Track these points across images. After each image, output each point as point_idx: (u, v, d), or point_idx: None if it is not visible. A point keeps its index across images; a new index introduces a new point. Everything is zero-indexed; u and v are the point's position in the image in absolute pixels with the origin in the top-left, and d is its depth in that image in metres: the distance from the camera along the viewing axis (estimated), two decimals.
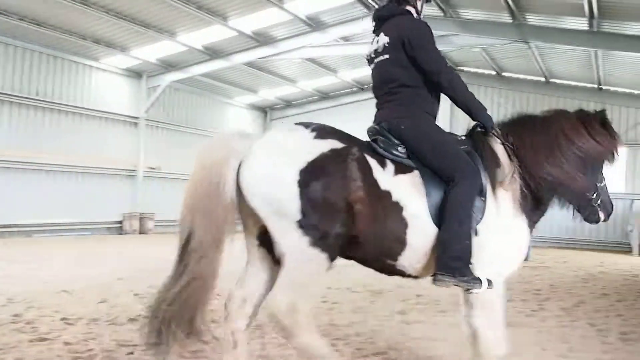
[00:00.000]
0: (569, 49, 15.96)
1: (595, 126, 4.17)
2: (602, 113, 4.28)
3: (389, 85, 4.02)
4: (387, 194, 3.56)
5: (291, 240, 3.40)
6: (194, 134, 21.77)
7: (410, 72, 3.94)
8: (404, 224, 3.59)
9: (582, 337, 6.35)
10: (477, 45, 16.51)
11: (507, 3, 13.56)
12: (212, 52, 17.91)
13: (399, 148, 3.80)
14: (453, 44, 16.33)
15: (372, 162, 3.62)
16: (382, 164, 3.67)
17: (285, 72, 20.80)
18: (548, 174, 3.92)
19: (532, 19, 14.69)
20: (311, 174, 3.38)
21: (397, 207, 3.57)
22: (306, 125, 3.67)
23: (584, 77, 19.63)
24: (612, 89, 20.04)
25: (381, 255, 3.69)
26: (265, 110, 25.30)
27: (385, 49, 3.99)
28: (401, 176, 3.67)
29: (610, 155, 4.19)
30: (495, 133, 4.05)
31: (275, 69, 20.34)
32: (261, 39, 17.04)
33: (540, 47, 16.68)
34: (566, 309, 8.06)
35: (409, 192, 3.63)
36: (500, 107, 21.35)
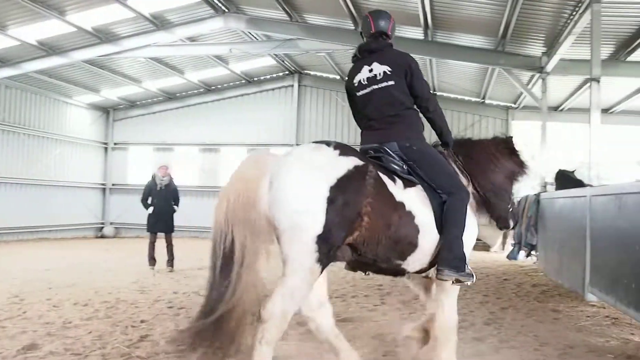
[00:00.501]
0: None
1: (515, 151, 5.10)
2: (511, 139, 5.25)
3: (395, 108, 4.49)
4: (402, 205, 4.12)
5: (301, 253, 3.77)
6: (28, 134, 20.33)
7: (409, 97, 4.52)
8: (416, 230, 4.17)
9: None
10: (321, 50, 16.93)
11: (350, 10, 14.06)
12: (49, 48, 16.80)
13: (402, 165, 4.39)
14: (299, 48, 16.64)
15: (385, 178, 4.14)
16: (393, 180, 4.22)
17: (129, 71, 20.04)
18: (492, 183, 4.84)
19: None
20: (339, 190, 3.78)
21: (410, 216, 4.15)
22: (327, 143, 4.12)
23: None
24: (445, 94, 21.47)
25: (392, 257, 4.20)
26: (107, 111, 24.19)
27: (386, 76, 4.47)
28: (409, 190, 4.26)
29: (522, 173, 5.11)
30: (453, 152, 4.88)
31: (119, 67, 19.52)
32: (102, 36, 16.29)
33: None
34: (406, 302, 8.50)
35: (418, 203, 4.23)
36: (344, 109, 22.10)
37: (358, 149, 4.46)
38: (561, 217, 10.47)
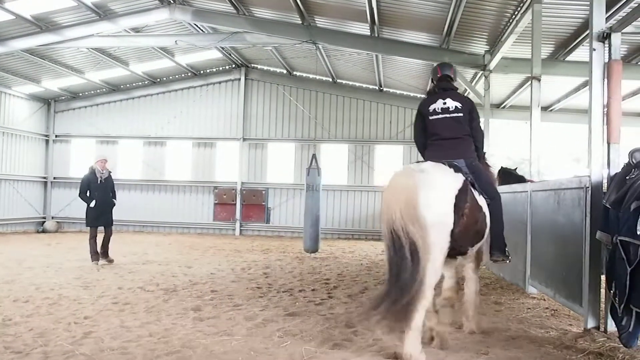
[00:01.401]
0: (354, 52, 17.00)
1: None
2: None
3: (462, 133, 5.98)
4: (480, 208, 5.64)
5: (443, 241, 5.11)
6: None
7: (468, 127, 6.03)
8: (486, 225, 5.77)
9: (366, 320, 6.82)
10: (268, 44, 16.85)
11: (297, 5, 14.05)
12: None
13: (469, 177, 5.73)
14: (245, 42, 16.51)
15: (470, 187, 5.57)
16: (474, 188, 5.69)
17: (71, 61, 19.49)
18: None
19: (320, 22, 15.40)
20: (458, 198, 5.25)
21: (484, 215, 5.72)
22: (442, 162, 5.57)
23: (367, 79, 21.04)
24: (391, 90, 21.72)
25: (470, 243, 5.67)
26: (49, 102, 23.47)
27: (457, 110, 5.96)
28: (480, 196, 5.74)
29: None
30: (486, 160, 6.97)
31: (60, 57, 18.97)
32: (43, 24, 15.80)
33: (327, 49, 17.54)
34: (352, 296, 8.60)
35: (484, 206, 5.75)
36: (291, 103, 22.11)
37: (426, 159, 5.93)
38: (503, 211, 10.72)
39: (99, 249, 12.10)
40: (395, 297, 4.88)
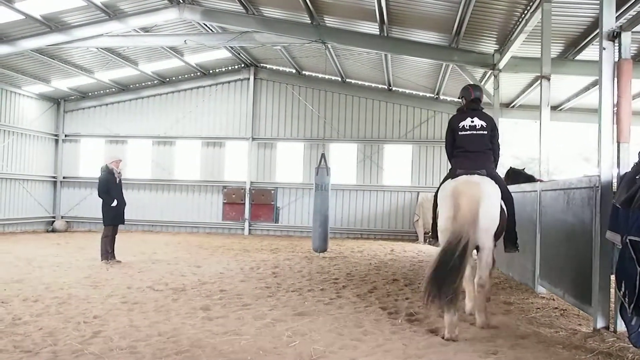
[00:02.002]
0: (363, 51, 16.99)
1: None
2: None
3: (484, 148, 7.09)
4: (503, 210, 6.84)
5: (492, 241, 6.61)
6: None
7: (490, 143, 7.17)
8: (505, 220, 6.88)
9: (375, 320, 6.83)
10: (278, 43, 16.85)
11: (306, 4, 14.05)
12: None
13: None
14: (254, 41, 16.51)
15: None
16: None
17: (81, 61, 19.57)
18: None
19: (329, 21, 15.40)
20: (503, 203, 6.82)
21: (505, 215, 6.88)
22: (483, 174, 6.84)
23: (375, 78, 21.02)
24: (400, 90, 21.68)
25: (495, 238, 6.76)
26: (58, 101, 23.57)
27: (483, 128, 7.07)
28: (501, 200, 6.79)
29: None
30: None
31: (70, 57, 19.05)
32: (52, 24, 15.88)
33: (337, 48, 17.54)
34: (361, 296, 8.59)
35: (504, 206, 6.85)
36: (300, 103, 22.13)
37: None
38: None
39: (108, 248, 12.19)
40: (446, 280, 5.78)
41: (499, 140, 7.39)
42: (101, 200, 12.38)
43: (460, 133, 7.14)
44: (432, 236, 7.66)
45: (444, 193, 6.70)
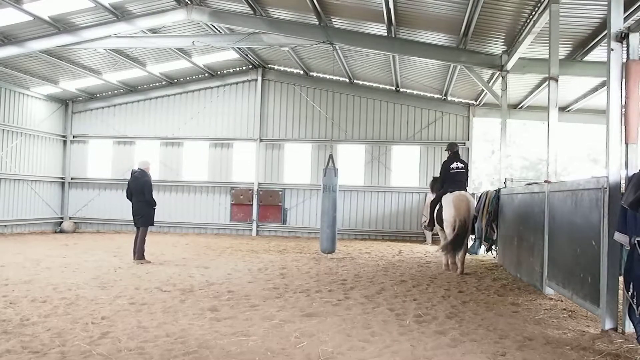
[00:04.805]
0: (371, 52, 16.99)
1: None
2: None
3: (464, 178, 12.42)
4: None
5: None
6: None
7: (467, 175, 12.74)
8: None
9: (383, 321, 6.84)
10: (285, 44, 16.87)
11: (314, 5, 14.07)
12: (4, 37, 16.37)
13: None
14: (262, 42, 16.53)
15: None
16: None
17: (89, 62, 19.66)
18: None
19: (337, 22, 15.42)
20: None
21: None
22: (466, 191, 12.13)
23: (383, 80, 21.02)
24: (407, 91, 21.67)
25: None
26: (66, 102, 23.68)
27: (463, 168, 12.36)
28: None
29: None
30: None
31: (78, 58, 19.14)
32: (60, 25, 15.96)
33: (344, 50, 17.56)
34: (369, 297, 8.60)
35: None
36: (308, 104, 22.15)
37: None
38: (520, 212, 10.70)
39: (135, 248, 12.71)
40: (461, 239, 11.49)
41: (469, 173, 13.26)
42: (139, 202, 12.72)
43: (451, 171, 12.30)
44: (428, 224, 13.36)
45: (447, 200, 11.84)
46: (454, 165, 12.26)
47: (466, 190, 12.13)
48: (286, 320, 6.79)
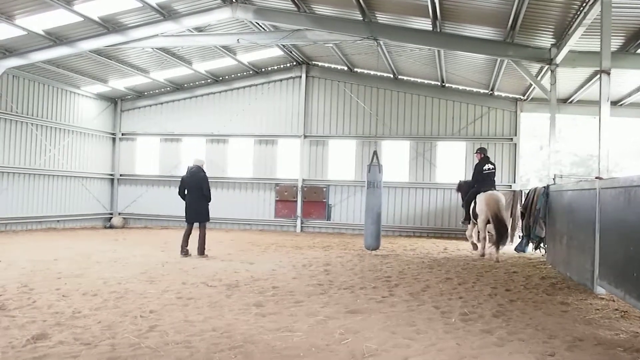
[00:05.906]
0: (415, 47, 16.82)
1: None
2: None
3: (494, 178, 14.26)
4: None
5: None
6: (36, 125, 20.37)
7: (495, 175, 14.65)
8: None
9: (428, 319, 6.75)
10: (329, 40, 16.85)
11: (358, 1, 14.00)
12: (56, 38, 16.83)
13: None
14: (306, 39, 16.57)
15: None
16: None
17: (136, 61, 20.05)
18: None
19: (381, 18, 15.31)
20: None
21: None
22: (496, 189, 14.23)
23: (428, 75, 20.80)
24: (453, 86, 21.41)
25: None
26: (115, 101, 24.23)
27: (493, 169, 14.23)
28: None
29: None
30: None
31: (126, 57, 19.53)
32: (109, 25, 16.30)
33: (389, 45, 17.44)
34: (413, 294, 8.51)
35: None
36: (352, 100, 22.10)
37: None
38: (570, 209, 10.43)
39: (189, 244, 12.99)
40: (503, 232, 13.26)
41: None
42: (198, 198, 12.95)
43: (483, 172, 14.03)
44: (465, 218, 14.90)
45: (481, 198, 13.53)
46: (486, 167, 14.06)
47: (496, 189, 13.99)
48: (330, 317, 6.77)
